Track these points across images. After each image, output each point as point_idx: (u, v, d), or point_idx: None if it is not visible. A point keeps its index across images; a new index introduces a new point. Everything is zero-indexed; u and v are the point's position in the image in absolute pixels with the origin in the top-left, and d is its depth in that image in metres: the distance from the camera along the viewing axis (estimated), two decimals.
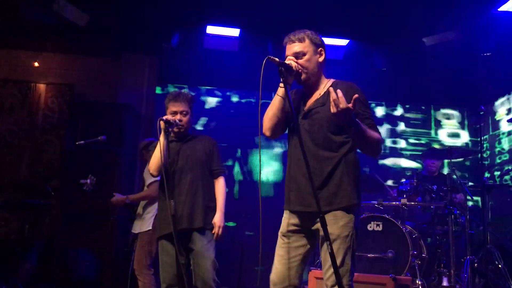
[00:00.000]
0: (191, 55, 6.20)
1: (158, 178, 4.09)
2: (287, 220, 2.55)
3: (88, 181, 4.11)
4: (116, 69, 6.44)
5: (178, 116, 3.37)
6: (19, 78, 6.24)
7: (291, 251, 2.49)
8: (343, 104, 2.20)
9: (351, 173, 2.47)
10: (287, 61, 2.51)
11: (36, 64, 6.34)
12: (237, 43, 5.87)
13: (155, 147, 3.35)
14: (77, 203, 5.34)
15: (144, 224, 4.30)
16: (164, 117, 3.19)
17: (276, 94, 2.55)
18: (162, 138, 3.16)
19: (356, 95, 2.24)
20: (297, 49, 2.56)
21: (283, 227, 2.55)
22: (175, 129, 3.36)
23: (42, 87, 6.24)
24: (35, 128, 6.13)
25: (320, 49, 2.61)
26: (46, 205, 5.45)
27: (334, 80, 2.65)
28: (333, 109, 2.23)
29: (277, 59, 2.41)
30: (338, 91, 2.24)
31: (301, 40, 2.57)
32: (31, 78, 6.28)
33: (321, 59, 2.61)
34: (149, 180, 4.33)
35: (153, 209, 4.28)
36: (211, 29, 5.80)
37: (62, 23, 5.28)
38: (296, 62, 2.52)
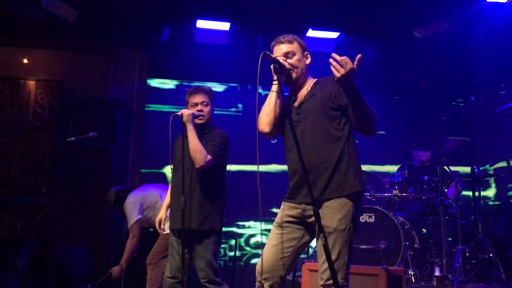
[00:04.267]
0: (181, 49, 6.16)
1: (138, 217, 4.29)
2: (284, 211, 2.54)
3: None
4: (106, 64, 6.40)
5: (199, 107, 3.38)
6: (8, 75, 6.18)
7: (284, 242, 2.48)
8: (349, 64, 2.25)
9: (353, 160, 2.48)
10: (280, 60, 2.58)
11: (25, 60, 6.26)
12: (227, 37, 5.85)
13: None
14: (69, 200, 5.33)
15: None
16: (179, 112, 3.24)
17: (271, 91, 2.58)
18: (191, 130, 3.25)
19: (359, 55, 2.31)
20: (287, 49, 2.64)
21: (279, 218, 2.55)
22: (197, 120, 3.34)
23: (31, 83, 6.18)
24: (25, 125, 6.08)
25: (306, 52, 2.71)
26: (37, 203, 5.42)
27: (318, 79, 2.69)
28: (337, 74, 2.26)
29: (272, 55, 2.51)
30: (336, 56, 2.28)
31: (290, 42, 2.66)
32: (20, 75, 6.22)
33: (307, 61, 2.71)
34: (130, 221, 4.31)
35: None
36: (201, 23, 5.78)
37: (51, 19, 5.23)
38: (288, 62, 2.59)
